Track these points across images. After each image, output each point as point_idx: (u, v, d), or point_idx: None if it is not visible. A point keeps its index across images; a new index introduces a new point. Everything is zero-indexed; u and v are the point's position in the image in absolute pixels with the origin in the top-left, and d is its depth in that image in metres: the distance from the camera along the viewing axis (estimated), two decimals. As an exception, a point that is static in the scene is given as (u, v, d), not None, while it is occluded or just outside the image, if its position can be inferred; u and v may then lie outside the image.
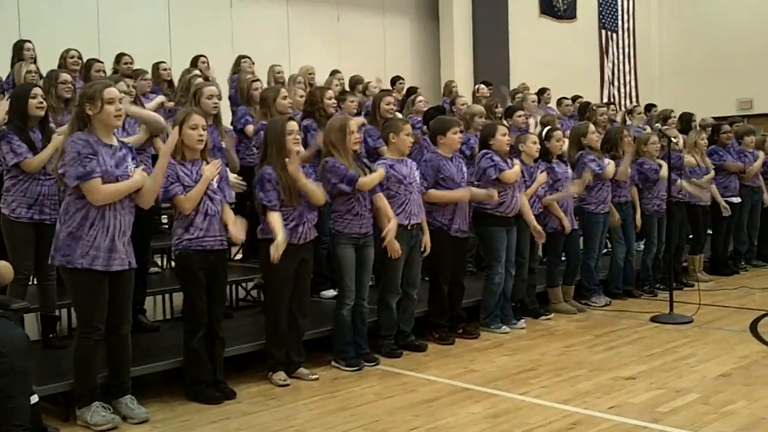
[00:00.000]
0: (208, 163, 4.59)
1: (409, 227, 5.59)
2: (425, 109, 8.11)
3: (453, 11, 14.83)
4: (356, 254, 5.30)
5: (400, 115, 7.59)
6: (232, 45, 11.38)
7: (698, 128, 9.30)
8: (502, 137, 6.24)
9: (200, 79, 6.93)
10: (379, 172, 5.35)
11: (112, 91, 4.12)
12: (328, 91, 6.58)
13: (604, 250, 7.73)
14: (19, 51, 7.20)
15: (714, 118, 10.73)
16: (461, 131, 6.15)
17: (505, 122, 7.55)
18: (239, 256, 7.49)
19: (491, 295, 6.30)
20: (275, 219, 4.77)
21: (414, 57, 15.13)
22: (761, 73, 17.89)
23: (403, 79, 10.87)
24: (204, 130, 4.58)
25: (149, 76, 7.71)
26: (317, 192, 4.97)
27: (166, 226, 7.23)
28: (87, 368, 4.19)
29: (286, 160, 4.79)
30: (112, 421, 4.13)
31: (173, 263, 6.64)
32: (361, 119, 6.98)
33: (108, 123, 4.12)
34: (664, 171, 7.35)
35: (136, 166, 4.26)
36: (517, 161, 6.31)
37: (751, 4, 18.16)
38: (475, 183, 6.16)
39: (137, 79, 7.23)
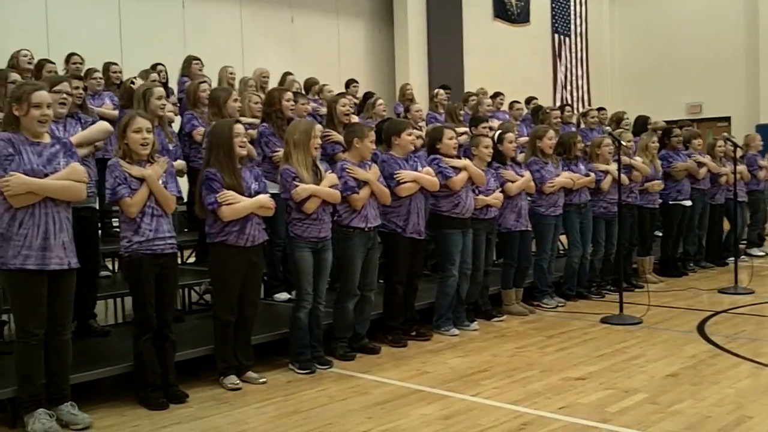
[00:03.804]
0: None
1: (366, 229, 5.59)
2: (385, 113, 8.05)
3: (407, 15, 14.85)
4: (314, 258, 5.27)
5: (356, 118, 7.59)
6: (184, 46, 11.26)
7: (650, 131, 9.44)
8: (449, 141, 6.28)
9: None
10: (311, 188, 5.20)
11: (40, 95, 4.02)
12: (287, 93, 6.42)
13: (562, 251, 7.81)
14: None
15: (664, 121, 10.93)
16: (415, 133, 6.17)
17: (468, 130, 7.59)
18: (192, 260, 7.42)
19: (445, 298, 6.32)
20: (241, 204, 4.76)
21: (368, 60, 15.12)
22: (710, 78, 18.31)
23: (357, 82, 10.87)
24: (149, 133, 4.49)
25: (100, 74, 7.59)
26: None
27: (118, 230, 7.10)
28: (28, 374, 4.06)
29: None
30: (50, 429, 3.99)
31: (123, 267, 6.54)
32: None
33: (31, 128, 4.02)
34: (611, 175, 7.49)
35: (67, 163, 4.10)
36: (466, 162, 6.32)
37: (701, 11, 18.57)
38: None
39: (87, 78, 7.11)
